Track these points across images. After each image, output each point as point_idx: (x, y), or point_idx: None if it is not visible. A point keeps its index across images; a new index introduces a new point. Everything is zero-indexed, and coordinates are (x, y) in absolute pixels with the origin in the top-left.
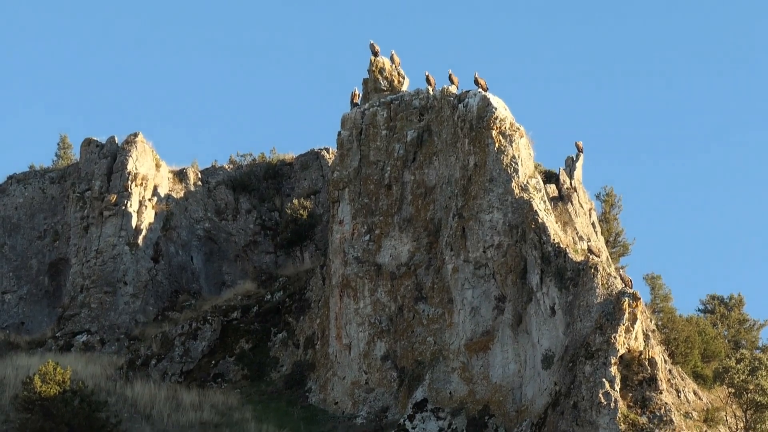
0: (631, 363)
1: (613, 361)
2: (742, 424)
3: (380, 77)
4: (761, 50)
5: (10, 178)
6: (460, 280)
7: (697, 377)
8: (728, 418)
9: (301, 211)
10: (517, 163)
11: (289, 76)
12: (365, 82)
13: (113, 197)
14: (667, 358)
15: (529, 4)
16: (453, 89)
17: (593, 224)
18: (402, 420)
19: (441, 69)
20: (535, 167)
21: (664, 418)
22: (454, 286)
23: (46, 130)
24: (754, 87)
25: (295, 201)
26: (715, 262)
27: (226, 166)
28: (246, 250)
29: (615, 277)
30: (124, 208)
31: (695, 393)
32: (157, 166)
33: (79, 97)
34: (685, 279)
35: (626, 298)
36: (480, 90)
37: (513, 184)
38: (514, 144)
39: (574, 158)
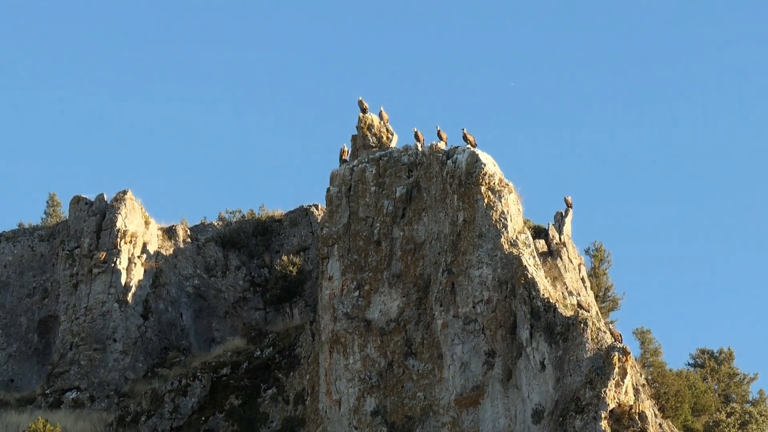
0: (621, 417)
1: (603, 416)
2: None
3: (369, 133)
4: (753, 111)
5: None
6: (450, 336)
7: (688, 431)
8: None
9: (291, 268)
10: (506, 219)
11: (278, 132)
12: (354, 138)
13: (102, 255)
14: (657, 412)
15: (516, 60)
16: (442, 145)
17: (583, 279)
18: None
19: (429, 125)
20: (524, 223)
21: None
22: (444, 341)
23: (35, 188)
24: (745, 141)
25: (285, 257)
26: (705, 317)
27: (215, 223)
28: (235, 307)
29: (605, 332)
30: (113, 265)
31: None
32: (146, 223)
33: (68, 155)
34: (675, 333)
35: (616, 353)
36: (469, 146)
37: (502, 239)
38: (503, 200)
39: (563, 213)
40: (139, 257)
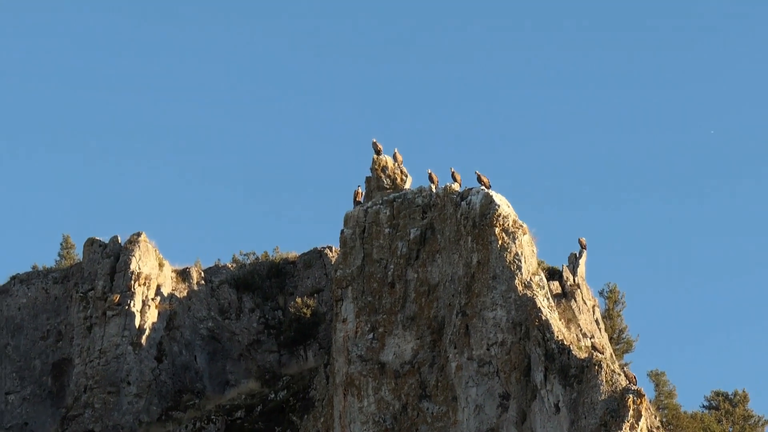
0: None
1: None
2: None
3: (383, 175)
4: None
5: (14, 278)
6: (464, 378)
7: None
8: None
9: (305, 310)
10: (520, 261)
11: (292, 175)
12: (368, 180)
13: (116, 297)
14: None
15: (530, 102)
16: (456, 187)
17: (597, 321)
18: None
19: (444, 167)
20: (539, 264)
21: None
22: (458, 383)
23: (49, 230)
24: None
25: (299, 299)
26: (719, 359)
27: (229, 266)
28: (250, 349)
29: (619, 374)
30: (127, 307)
31: None
32: (160, 265)
33: (82, 197)
34: (690, 375)
35: (631, 395)
36: (482, 187)
37: (516, 281)
38: (517, 241)
39: (577, 255)
40: (153, 300)
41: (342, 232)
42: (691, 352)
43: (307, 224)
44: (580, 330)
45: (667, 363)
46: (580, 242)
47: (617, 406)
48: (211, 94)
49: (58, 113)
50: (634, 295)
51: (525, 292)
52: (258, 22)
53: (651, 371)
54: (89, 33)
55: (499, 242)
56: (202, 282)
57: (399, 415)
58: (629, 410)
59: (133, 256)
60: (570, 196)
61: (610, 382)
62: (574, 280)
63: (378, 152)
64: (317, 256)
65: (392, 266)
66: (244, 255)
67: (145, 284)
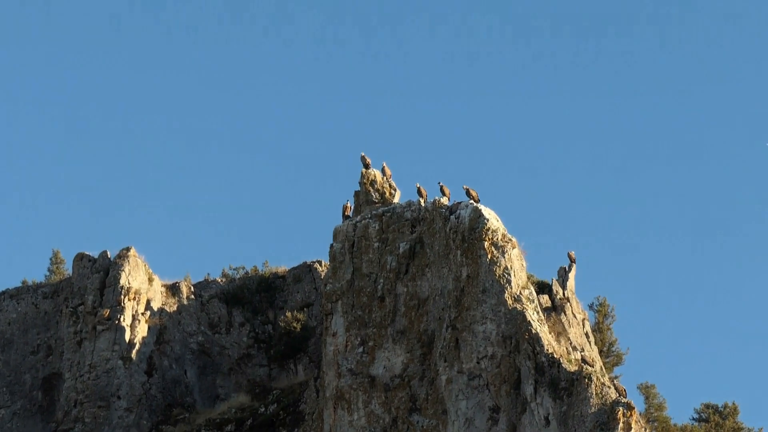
0: None
1: None
2: None
3: (372, 189)
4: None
5: (3, 293)
6: (454, 391)
7: None
8: None
9: (295, 324)
10: (509, 274)
11: (281, 189)
12: (357, 194)
13: (106, 312)
14: None
15: (520, 115)
16: (444, 201)
17: (587, 334)
18: None
19: (432, 180)
20: (528, 278)
21: None
22: (448, 397)
23: (39, 245)
24: (751, 191)
25: (289, 314)
26: (709, 371)
27: (219, 280)
28: (240, 363)
29: (609, 387)
30: (117, 322)
31: None
32: (150, 280)
33: (71, 212)
34: (680, 388)
35: (621, 408)
36: (471, 201)
37: (506, 295)
38: (506, 255)
39: (567, 269)
40: (142, 314)
41: (331, 246)
42: (681, 365)
43: (297, 239)
44: (570, 343)
45: (658, 376)
46: (569, 256)
47: (607, 419)
48: (199, 107)
49: (48, 127)
50: (623, 309)
51: (515, 305)
52: (241, 39)
53: (641, 384)
54: (84, 44)
55: (489, 256)
56: (192, 296)
57: (389, 428)
58: (619, 423)
59: (123, 270)
60: (559, 210)
61: (600, 395)
62: (563, 294)
63: (366, 166)
64: (307, 270)
65: (382, 280)
66: (234, 269)
67: (134, 299)
